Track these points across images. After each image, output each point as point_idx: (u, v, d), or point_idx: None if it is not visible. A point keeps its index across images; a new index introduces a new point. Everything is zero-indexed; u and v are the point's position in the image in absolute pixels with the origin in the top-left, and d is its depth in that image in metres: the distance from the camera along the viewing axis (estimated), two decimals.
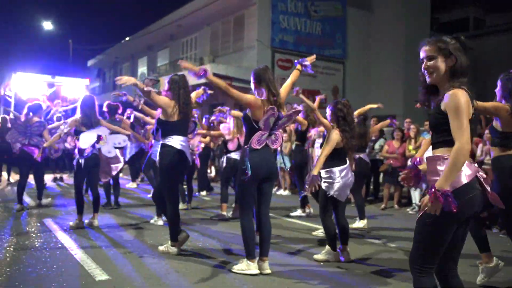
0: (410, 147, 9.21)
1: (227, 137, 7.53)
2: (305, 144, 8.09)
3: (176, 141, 5.13)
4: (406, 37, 19.05)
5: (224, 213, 7.66)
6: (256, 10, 18.20)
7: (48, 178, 12.08)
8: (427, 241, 2.56)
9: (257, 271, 4.46)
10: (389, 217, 8.45)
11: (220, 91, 4.56)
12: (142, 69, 28.01)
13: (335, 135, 5.05)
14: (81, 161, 6.54)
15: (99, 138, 6.66)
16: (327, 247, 5.13)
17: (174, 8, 21.68)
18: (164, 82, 5.76)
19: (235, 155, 7.48)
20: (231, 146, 7.56)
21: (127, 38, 27.09)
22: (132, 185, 11.56)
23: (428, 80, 2.67)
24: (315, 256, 5.15)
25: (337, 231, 5.16)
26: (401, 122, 11.09)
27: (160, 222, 6.95)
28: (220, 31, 20.55)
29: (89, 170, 6.64)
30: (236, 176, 4.55)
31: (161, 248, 5.27)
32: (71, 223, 6.62)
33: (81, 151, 6.52)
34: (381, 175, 10.65)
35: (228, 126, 7.48)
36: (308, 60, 5.14)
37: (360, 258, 5.29)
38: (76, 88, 15.81)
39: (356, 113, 5.99)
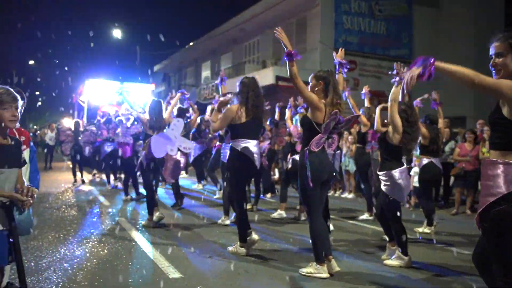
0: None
1: (295, 138, 7.58)
2: (366, 146, 7.90)
3: (244, 144, 5.19)
4: (477, 35, 18.07)
5: (283, 211, 7.75)
6: (319, 12, 18.10)
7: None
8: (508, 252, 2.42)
9: (326, 275, 4.42)
10: (460, 222, 8.08)
11: (291, 82, 4.53)
12: (206, 73, 28.68)
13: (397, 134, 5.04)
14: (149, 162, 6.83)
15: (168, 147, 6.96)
16: (397, 252, 4.99)
17: (236, 13, 22.05)
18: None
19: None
20: (299, 147, 7.56)
21: (191, 43, 27.85)
22: (198, 186, 11.83)
23: (494, 77, 2.51)
24: (386, 262, 5.03)
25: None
26: (473, 124, 10.58)
27: (227, 222, 7.08)
28: None
29: (155, 170, 6.98)
30: (298, 179, 4.54)
31: (230, 248, 5.36)
32: (143, 222, 6.89)
33: (150, 154, 6.77)
34: (452, 178, 10.21)
35: (297, 127, 7.52)
36: (338, 57, 5.12)
37: (429, 263, 5.11)
38: (142, 93, 16.53)
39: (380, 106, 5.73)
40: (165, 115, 7.10)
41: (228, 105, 5.37)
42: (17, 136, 3.02)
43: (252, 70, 20.13)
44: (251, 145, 5.21)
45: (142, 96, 16.20)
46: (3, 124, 2.76)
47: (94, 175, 14.13)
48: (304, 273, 4.49)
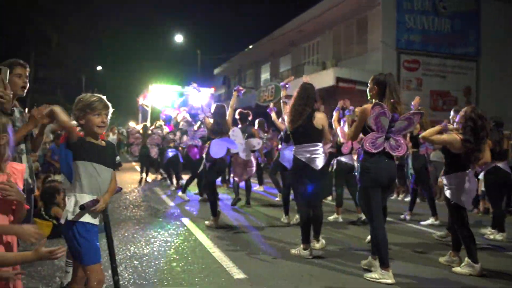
0: None
1: (342, 140, 7.53)
2: (420, 148, 7.60)
3: (303, 148, 5.34)
4: None
5: (339, 216, 7.74)
6: (380, 11, 17.70)
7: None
8: None
9: (392, 281, 4.33)
10: None
11: None
12: (265, 75, 28.89)
13: (455, 137, 4.84)
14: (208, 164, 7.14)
15: (228, 151, 7.15)
16: (467, 259, 4.80)
17: (295, 15, 22.03)
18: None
19: (345, 159, 7.57)
20: (345, 149, 7.51)
21: (250, 46, 28.15)
22: (259, 188, 11.98)
23: None
24: (455, 269, 4.85)
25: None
26: None
27: (286, 221, 7.35)
28: (342, 34, 20.38)
29: (218, 172, 7.28)
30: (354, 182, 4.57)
31: (293, 251, 5.39)
32: (206, 222, 7.07)
33: (209, 156, 7.02)
34: None
35: (343, 129, 7.46)
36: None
37: (500, 271, 4.88)
38: (202, 97, 17.00)
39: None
40: (228, 118, 7.26)
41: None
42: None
43: (312, 71, 20.04)
44: (310, 147, 5.35)
45: (202, 100, 16.75)
46: (94, 129, 2.97)
47: (159, 176, 14.69)
48: (369, 278, 4.43)
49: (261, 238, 6.28)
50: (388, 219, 6.12)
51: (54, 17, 30.15)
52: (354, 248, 5.81)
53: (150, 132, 13.12)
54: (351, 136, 4.81)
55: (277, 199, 9.99)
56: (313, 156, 5.31)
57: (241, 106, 24.67)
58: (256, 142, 7.82)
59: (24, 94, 3.55)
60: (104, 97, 3.07)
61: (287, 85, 6.77)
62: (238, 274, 4.55)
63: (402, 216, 7.97)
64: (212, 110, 7.44)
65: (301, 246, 5.31)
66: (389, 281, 4.32)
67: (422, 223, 7.63)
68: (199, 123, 10.11)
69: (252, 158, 8.44)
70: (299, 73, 21.86)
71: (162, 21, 58.06)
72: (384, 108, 4.31)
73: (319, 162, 5.33)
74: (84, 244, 2.87)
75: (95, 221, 2.95)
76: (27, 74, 3.56)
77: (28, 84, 3.56)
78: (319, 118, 5.39)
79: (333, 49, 20.81)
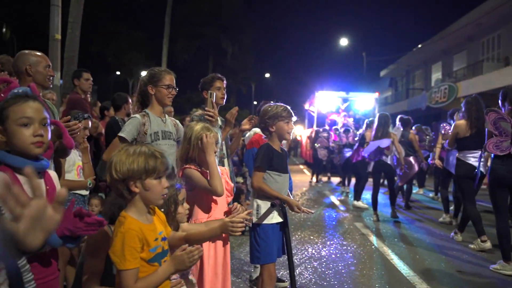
0: None
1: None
2: None
3: (467, 155, 5.79)
4: None
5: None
6: None
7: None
8: None
9: (510, 272, 4.66)
10: None
11: None
12: (436, 75, 27.13)
13: None
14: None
15: (379, 148, 7.60)
16: None
17: (471, 7, 20.27)
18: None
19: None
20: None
21: (419, 45, 26.73)
22: (419, 191, 11.58)
23: None
24: None
25: None
26: None
27: (448, 219, 7.59)
28: None
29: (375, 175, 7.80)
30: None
31: (472, 245, 5.80)
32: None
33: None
34: None
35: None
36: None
37: None
38: (366, 102, 17.03)
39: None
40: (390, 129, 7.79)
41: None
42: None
43: (492, 69, 18.22)
44: (474, 154, 5.75)
45: (365, 105, 16.80)
46: (285, 135, 3.27)
47: (329, 178, 15.18)
48: (492, 269, 4.85)
49: (437, 248, 5.93)
50: None
51: (229, 32, 32.92)
52: None
53: (317, 135, 13.64)
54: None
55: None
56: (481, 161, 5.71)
57: (410, 109, 23.72)
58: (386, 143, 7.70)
59: (223, 103, 3.98)
60: (289, 107, 3.34)
61: None
62: (420, 284, 4.39)
63: None
64: (376, 119, 7.97)
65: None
66: (508, 272, 4.67)
67: None
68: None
69: (413, 161, 8.57)
70: (476, 72, 20.08)
71: (327, 26, 58.98)
72: (500, 113, 4.72)
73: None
74: (262, 244, 3.17)
75: (276, 220, 3.21)
76: (224, 86, 3.99)
77: (225, 95, 3.99)
78: None
79: None
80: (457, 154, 5.94)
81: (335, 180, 14.64)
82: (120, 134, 3.12)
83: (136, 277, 1.73)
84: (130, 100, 5.51)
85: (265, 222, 3.18)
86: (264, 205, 3.19)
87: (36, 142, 1.69)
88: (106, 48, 33.14)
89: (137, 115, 3.20)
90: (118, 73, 37.39)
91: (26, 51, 3.22)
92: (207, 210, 2.79)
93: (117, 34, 33.05)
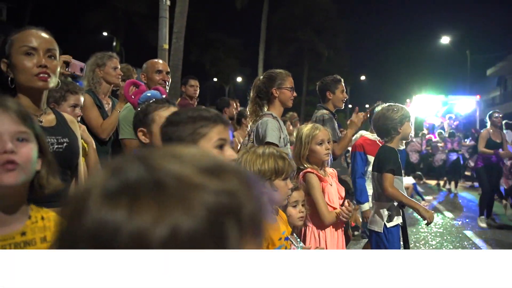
0: None
1: None
2: None
3: None
4: None
5: None
6: None
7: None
8: None
9: None
10: None
11: None
12: None
13: None
14: None
15: None
16: None
17: None
18: None
19: None
20: None
21: None
22: None
23: None
24: None
25: None
26: None
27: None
28: None
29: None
30: None
31: None
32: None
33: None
34: None
35: None
36: None
37: None
38: (467, 104, 16.03)
39: None
40: None
41: None
42: None
43: None
44: None
45: (466, 108, 15.93)
46: (407, 137, 3.34)
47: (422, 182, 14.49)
48: None
49: None
50: None
51: (323, 35, 32.76)
52: None
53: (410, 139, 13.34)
54: None
55: None
56: None
57: None
58: None
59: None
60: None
61: None
62: None
63: None
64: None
65: None
66: None
67: None
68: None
69: None
70: None
71: (426, 24, 56.22)
72: None
73: None
74: (388, 247, 3.10)
75: (397, 222, 3.18)
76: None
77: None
78: None
79: None
80: None
81: (431, 182, 13.83)
82: (268, 140, 2.97)
83: None
84: (231, 104, 5.99)
85: (389, 225, 3.13)
86: (382, 209, 3.16)
87: None
88: (204, 56, 34.60)
89: (271, 119, 3.11)
90: (215, 79, 38.85)
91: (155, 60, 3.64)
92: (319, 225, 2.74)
93: (214, 42, 34.40)
